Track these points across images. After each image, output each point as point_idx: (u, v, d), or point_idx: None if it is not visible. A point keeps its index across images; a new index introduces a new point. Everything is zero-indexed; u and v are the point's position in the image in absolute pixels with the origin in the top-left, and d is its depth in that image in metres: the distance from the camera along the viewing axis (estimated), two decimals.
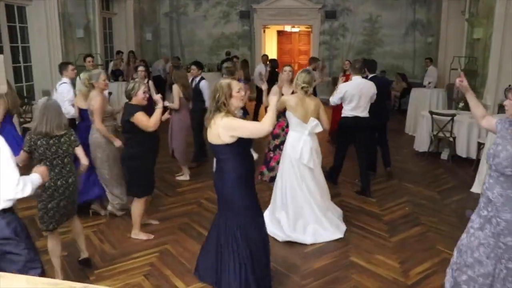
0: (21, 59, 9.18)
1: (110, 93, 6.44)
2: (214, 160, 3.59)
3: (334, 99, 6.06)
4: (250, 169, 3.53)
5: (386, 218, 5.46)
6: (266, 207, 5.04)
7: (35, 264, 2.89)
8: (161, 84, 12.21)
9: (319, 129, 4.85)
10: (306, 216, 4.82)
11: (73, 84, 6.43)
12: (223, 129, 3.28)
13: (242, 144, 3.40)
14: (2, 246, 2.77)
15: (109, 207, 5.42)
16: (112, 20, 12.97)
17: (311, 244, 4.71)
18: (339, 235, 4.87)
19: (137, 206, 4.79)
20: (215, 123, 3.31)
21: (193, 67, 7.56)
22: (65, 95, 6.14)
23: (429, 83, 10.96)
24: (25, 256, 2.83)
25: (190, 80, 7.57)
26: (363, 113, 6.06)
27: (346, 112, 6.10)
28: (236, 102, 3.40)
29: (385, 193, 6.34)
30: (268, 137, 6.36)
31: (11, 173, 2.70)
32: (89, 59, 8.15)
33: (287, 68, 6.38)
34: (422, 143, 8.37)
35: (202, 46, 15.41)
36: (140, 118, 4.46)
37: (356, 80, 6.08)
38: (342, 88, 6.00)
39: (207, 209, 5.66)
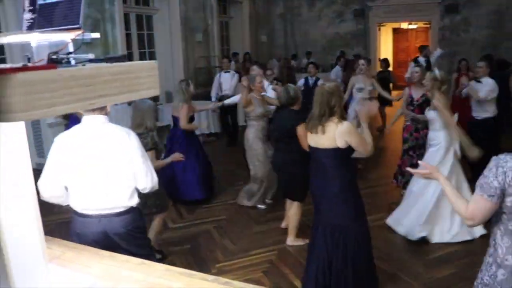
0: None
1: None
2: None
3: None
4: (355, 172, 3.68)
5: None
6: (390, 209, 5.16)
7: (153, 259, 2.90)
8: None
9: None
10: (440, 214, 4.68)
11: None
12: (343, 133, 3.26)
13: (352, 147, 3.38)
14: (133, 237, 2.79)
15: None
16: (228, 23, 13.47)
17: (435, 251, 4.51)
18: (467, 236, 4.66)
19: (297, 212, 4.73)
20: (329, 129, 3.28)
21: (311, 65, 8.01)
22: None
23: None
24: (146, 250, 2.87)
25: (303, 80, 7.81)
26: None
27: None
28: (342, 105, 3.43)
29: None
30: None
31: (150, 164, 2.79)
32: (224, 60, 9.47)
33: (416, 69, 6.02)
34: None
35: (316, 46, 15.28)
36: (302, 132, 4.24)
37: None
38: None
39: None
